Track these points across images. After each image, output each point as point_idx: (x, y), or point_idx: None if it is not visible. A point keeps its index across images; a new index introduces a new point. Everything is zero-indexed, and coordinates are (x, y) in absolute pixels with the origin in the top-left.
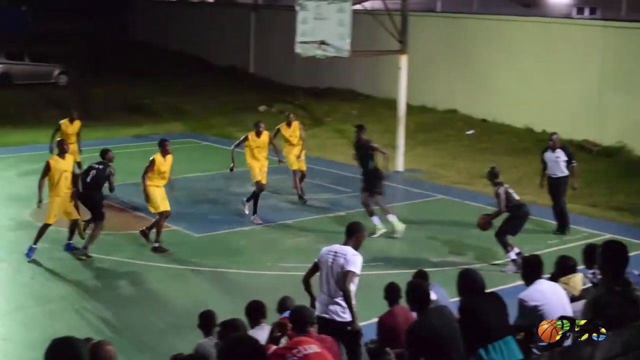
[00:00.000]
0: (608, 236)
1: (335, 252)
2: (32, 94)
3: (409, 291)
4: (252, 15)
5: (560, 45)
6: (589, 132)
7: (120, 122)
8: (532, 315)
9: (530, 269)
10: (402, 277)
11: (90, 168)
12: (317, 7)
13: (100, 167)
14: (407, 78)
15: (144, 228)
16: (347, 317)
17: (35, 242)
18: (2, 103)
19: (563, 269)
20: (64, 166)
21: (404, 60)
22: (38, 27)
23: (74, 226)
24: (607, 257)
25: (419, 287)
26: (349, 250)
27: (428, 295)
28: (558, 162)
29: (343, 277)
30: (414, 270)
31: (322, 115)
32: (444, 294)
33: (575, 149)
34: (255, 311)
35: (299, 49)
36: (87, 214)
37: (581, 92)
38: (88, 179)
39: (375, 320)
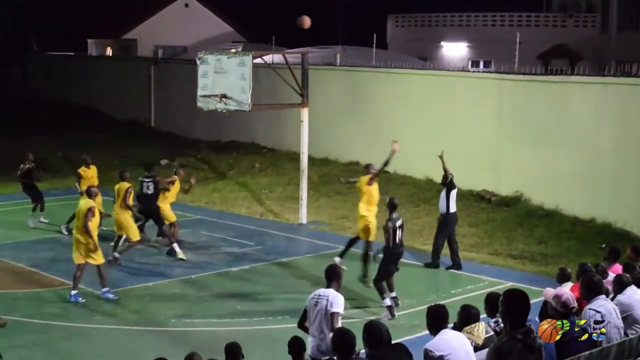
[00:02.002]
0: (509, 284)
1: (319, 295)
2: None
3: (335, 338)
4: (152, 69)
5: (457, 97)
6: (487, 183)
7: (14, 177)
8: None
9: (436, 319)
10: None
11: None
12: (218, 61)
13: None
14: (309, 130)
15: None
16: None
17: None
18: None
19: (466, 318)
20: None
21: (305, 113)
22: None
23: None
24: (508, 306)
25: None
26: (330, 292)
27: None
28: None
29: (330, 319)
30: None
31: (224, 168)
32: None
33: (474, 199)
34: None
35: (200, 102)
36: None
37: (479, 143)
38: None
39: None
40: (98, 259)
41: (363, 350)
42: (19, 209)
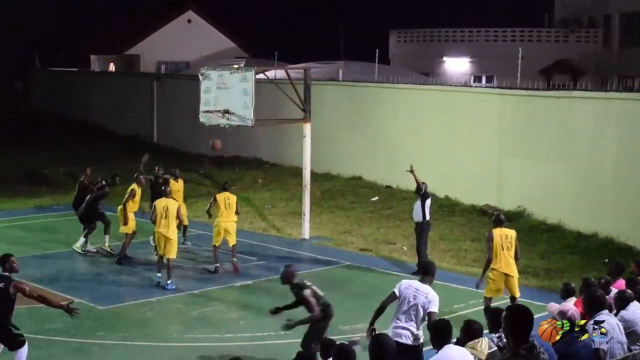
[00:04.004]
0: None
1: (417, 289)
2: None
3: (336, 355)
4: (155, 85)
5: (460, 112)
6: (490, 198)
7: (19, 193)
8: None
9: (440, 334)
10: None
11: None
12: (220, 77)
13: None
14: (311, 146)
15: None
16: (416, 342)
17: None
18: None
19: (469, 333)
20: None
21: (307, 128)
22: None
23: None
24: (511, 321)
25: (346, 351)
26: (430, 290)
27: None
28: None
29: (428, 317)
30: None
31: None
32: None
33: (477, 214)
34: None
35: (202, 118)
36: None
37: (481, 158)
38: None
39: None
40: (174, 254)
41: None
42: (20, 225)
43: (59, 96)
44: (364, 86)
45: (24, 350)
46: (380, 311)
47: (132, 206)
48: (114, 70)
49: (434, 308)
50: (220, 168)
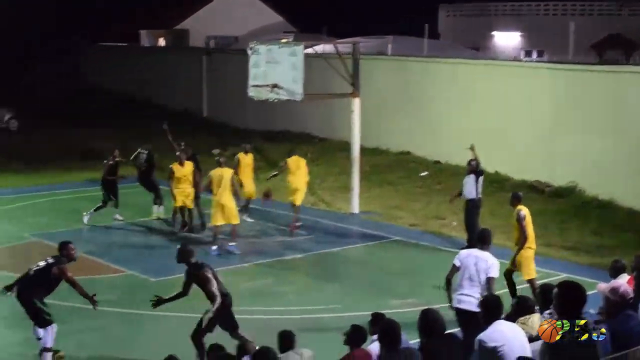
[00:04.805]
0: (563, 276)
1: (477, 257)
2: None
3: (382, 329)
4: (204, 60)
5: (510, 87)
6: (540, 173)
7: (72, 167)
8: (491, 356)
9: (490, 310)
10: (359, 319)
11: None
12: (269, 51)
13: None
14: (360, 120)
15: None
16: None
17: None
18: None
19: (521, 309)
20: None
21: (356, 103)
22: None
23: None
24: (563, 298)
25: (391, 326)
26: (489, 256)
27: (399, 335)
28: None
29: (487, 282)
30: (371, 313)
31: (277, 158)
32: (404, 337)
33: (527, 190)
34: None
35: (251, 92)
36: None
37: (532, 133)
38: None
39: None
40: (237, 219)
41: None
42: (73, 198)
43: (109, 72)
44: (413, 61)
45: (50, 329)
46: (449, 284)
47: (177, 183)
48: (163, 45)
49: (495, 273)
50: (270, 143)
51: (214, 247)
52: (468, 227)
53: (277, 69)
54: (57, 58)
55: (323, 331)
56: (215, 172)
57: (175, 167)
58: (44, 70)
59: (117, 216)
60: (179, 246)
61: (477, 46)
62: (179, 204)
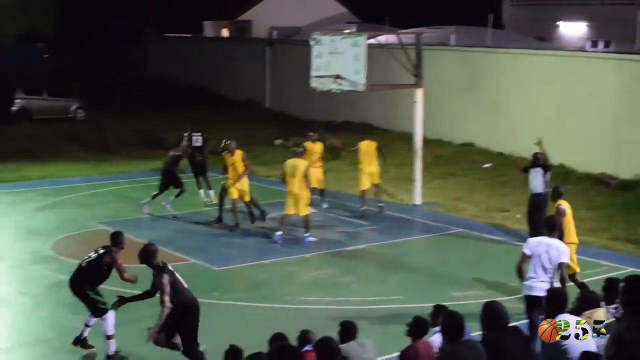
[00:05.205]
0: (629, 270)
1: (548, 244)
2: (51, 129)
3: (445, 321)
4: (267, 50)
5: (575, 78)
6: (606, 166)
7: (137, 156)
8: (555, 350)
9: (554, 303)
10: (421, 311)
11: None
12: (332, 42)
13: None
14: (422, 111)
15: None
16: None
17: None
18: (21, 137)
19: (586, 302)
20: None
21: (419, 93)
22: (53, 63)
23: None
24: (630, 292)
25: (455, 318)
26: (559, 243)
27: (462, 327)
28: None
29: (559, 267)
30: (434, 304)
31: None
32: (467, 329)
33: (592, 182)
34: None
35: (314, 83)
36: None
37: (597, 125)
38: None
39: (396, 354)
40: (307, 210)
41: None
42: (138, 186)
43: (173, 62)
44: (476, 51)
45: (108, 317)
46: (520, 273)
47: (232, 174)
48: (226, 36)
49: (565, 259)
50: (331, 133)
51: (279, 233)
52: (532, 222)
53: (340, 60)
54: (125, 49)
55: (385, 322)
56: (290, 162)
57: (227, 156)
58: (111, 61)
59: (168, 206)
60: (144, 245)
61: (542, 36)
62: (235, 196)
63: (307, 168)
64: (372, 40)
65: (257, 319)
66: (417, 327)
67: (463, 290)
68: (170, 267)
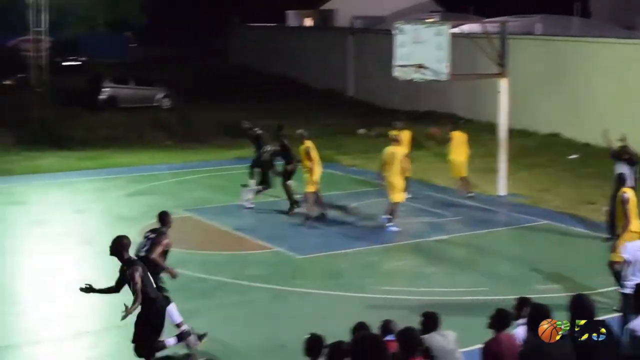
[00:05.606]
0: None
1: None
2: (137, 117)
3: (532, 313)
4: (350, 39)
5: None
6: None
7: (222, 144)
8: None
9: None
10: (504, 303)
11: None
12: (415, 31)
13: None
14: (507, 101)
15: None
16: None
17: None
18: (108, 125)
19: None
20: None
21: (504, 83)
22: (140, 53)
23: None
24: None
25: (542, 310)
26: None
27: (549, 318)
28: None
29: None
30: (517, 297)
31: (422, 139)
32: None
33: None
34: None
35: (396, 72)
36: None
37: None
38: None
39: (479, 346)
40: (398, 198)
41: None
42: (222, 175)
43: (256, 52)
44: (562, 40)
45: (171, 307)
46: (618, 277)
47: (307, 163)
48: (309, 25)
49: None
50: (415, 123)
51: (390, 221)
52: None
53: (423, 49)
54: (210, 38)
55: (467, 314)
56: (387, 150)
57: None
58: (196, 50)
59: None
60: (117, 236)
61: (631, 25)
62: (314, 188)
63: (404, 156)
64: (455, 30)
65: (338, 307)
66: (500, 319)
67: (547, 283)
68: (139, 262)
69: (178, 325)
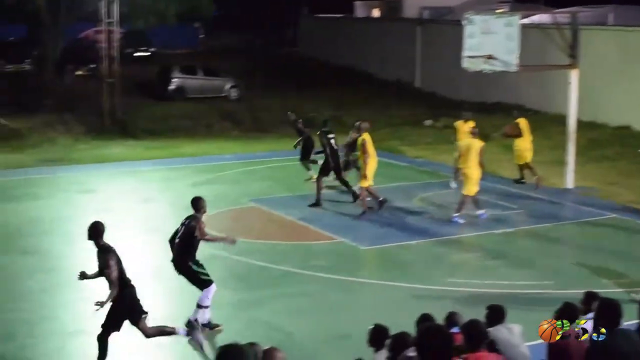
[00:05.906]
0: None
1: None
2: (205, 107)
3: (601, 307)
4: (418, 30)
5: None
6: None
7: (289, 135)
8: None
9: None
10: (570, 297)
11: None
12: (484, 22)
13: None
14: (577, 93)
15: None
16: None
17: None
18: (176, 115)
19: None
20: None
21: (574, 75)
22: (208, 43)
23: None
24: None
25: (611, 305)
26: None
27: (619, 314)
28: None
29: None
30: (585, 291)
31: (490, 130)
32: None
33: None
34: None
35: (466, 63)
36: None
37: None
38: None
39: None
40: (473, 189)
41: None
42: (289, 165)
43: (324, 42)
44: (635, 31)
45: (212, 288)
46: None
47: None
48: (377, 16)
49: None
50: (483, 114)
51: (481, 211)
52: None
53: (492, 40)
54: (278, 29)
55: (533, 307)
56: (463, 143)
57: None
58: (265, 41)
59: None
60: (94, 221)
61: None
62: (367, 184)
63: (481, 148)
64: (525, 20)
65: (402, 299)
66: (567, 313)
67: (615, 278)
68: (113, 249)
69: (199, 306)
